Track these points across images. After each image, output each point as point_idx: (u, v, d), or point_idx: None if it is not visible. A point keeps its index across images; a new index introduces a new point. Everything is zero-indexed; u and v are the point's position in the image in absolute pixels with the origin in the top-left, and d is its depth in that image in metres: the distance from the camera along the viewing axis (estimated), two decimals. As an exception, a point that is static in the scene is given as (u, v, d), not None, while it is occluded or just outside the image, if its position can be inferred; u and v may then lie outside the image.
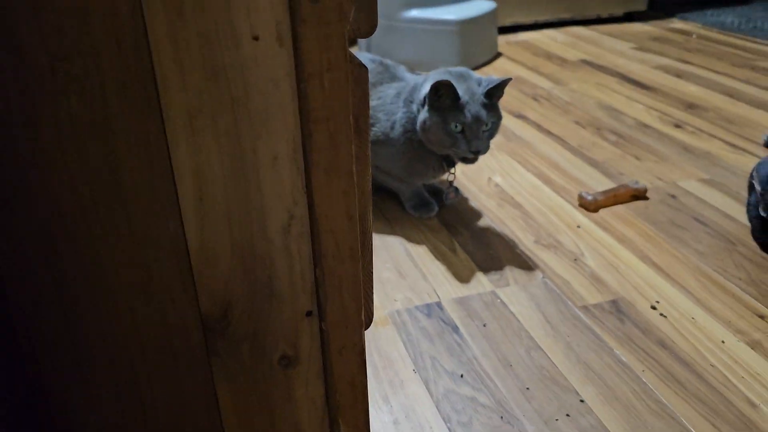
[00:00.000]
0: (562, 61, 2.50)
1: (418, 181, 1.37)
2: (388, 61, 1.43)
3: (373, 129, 1.30)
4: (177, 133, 0.51)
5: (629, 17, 3.11)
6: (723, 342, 1.03)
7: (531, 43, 2.76)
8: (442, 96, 1.18)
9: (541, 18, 2.95)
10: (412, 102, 1.27)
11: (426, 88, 1.21)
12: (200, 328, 0.58)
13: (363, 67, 0.57)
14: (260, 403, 0.64)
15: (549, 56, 2.57)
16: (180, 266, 0.55)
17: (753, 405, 0.91)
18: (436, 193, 1.44)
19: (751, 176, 1.30)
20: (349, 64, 0.54)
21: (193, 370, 0.60)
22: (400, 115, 1.28)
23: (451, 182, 1.39)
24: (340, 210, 0.57)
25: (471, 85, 1.21)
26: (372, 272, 0.66)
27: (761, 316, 1.08)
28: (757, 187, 1.25)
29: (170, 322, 0.57)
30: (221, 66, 0.50)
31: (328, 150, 0.55)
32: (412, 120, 1.26)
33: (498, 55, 2.59)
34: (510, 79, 1.21)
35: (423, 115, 1.21)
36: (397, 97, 1.30)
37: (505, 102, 2.07)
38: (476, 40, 2.42)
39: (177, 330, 0.58)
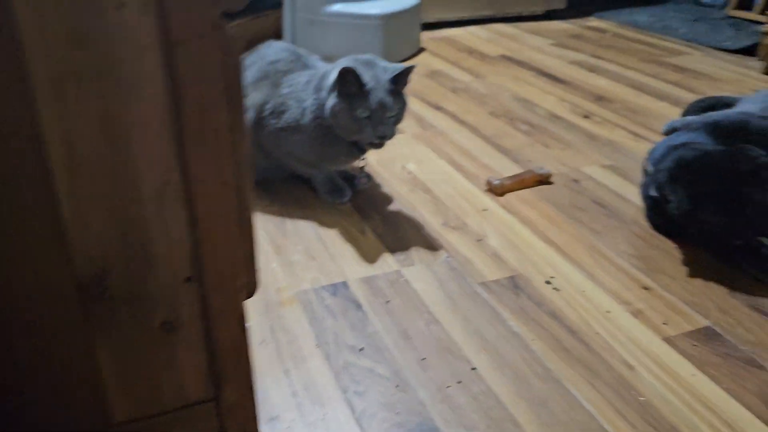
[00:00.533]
0: (483, 56, 2.58)
1: (330, 167, 1.40)
2: (301, 51, 1.45)
3: (284, 116, 1.32)
4: (44, 99, 0.53)
5: (549, 15, 3.23)
6: (609, 312, 1.10)
7: (454, 39, 2.83)
8: (348, 82, 1.21)
9: (465, 15, 3.03)
10: (321, 89, 1.29)
11: (334, 75, 1.24)
12: (76, 294, 0.59)
13: (234, 38, 0.60)
14: (142, 368, 0.65)
15: (470, 51, 2.65)
16: (53, 231, 0.56)
17: (630, 367, 0.98)
18: (350, 179, 1.47)
19: (645, 159, 1.39)
20: (218, 34, 0.56)
21: (72, 335, 0.61)
22: (310, 102, 1.30)
23: (362, 168, 1.42)
24: (214, 176, 0.59)
25: (377, 72, 1.25)
26: (254, 241, 0.68)
27: (646, 288, 1.16)
28: (649, 168, 1.33)
29: (46, 287, 0.58)
30: (85, 33, 0.52)
31: (198, 116, 0.57)
32: (322, 107, 1.29)
33: (421, 50, 2.65)
34: (414, 66, 1.26)
35: (331, 101, 1.24)
36: (307, 84, 1.32)
37: (424, 94, 2.12)
38: (399, 34, 2.46)
39: (53, 295, 0.59)
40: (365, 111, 1.22)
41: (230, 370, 0.69)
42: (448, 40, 2.82)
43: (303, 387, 0.92)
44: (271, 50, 1.42)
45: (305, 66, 1.38)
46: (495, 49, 2.68)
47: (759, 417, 0.89)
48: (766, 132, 1.38)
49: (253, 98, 1.37)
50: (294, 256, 1.22)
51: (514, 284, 1.16)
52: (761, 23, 2.66)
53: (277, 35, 2.35)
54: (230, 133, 0.59)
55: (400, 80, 1.25)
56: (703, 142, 1.32)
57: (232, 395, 0.70)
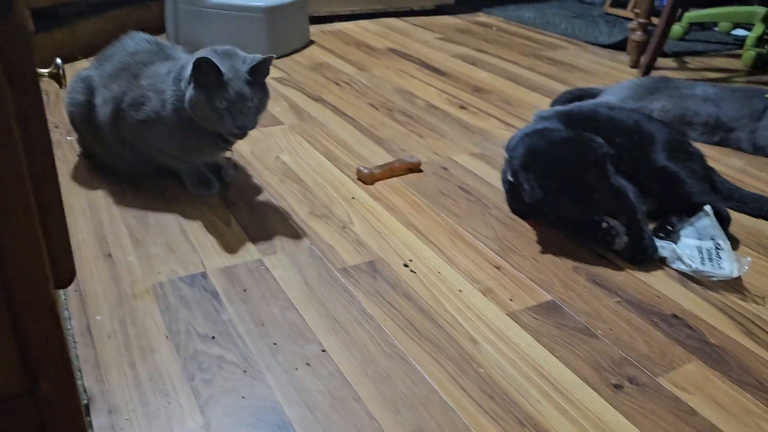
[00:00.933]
0: (371, 49, 2.61)
1: (195, 159, 1.39)
2: (164, 41, 1.43)
3: (144, 108, 1.30)
4: None
5: (439, 10, 3.30)
6: (461, 291, 1.15)
7: (344, 32, 2.86)
8: (205, 73, 1.21)
9: (357, 9, 3.06)
10: (181, 80, 1.28)
11: (191, 66, 1.23)
12: None
13: (22, 24, 0.59)
14: (-57, 363, 0.63)
15: (359, 44, 2.68)
16: None
17: (474, 341, 1.03)
18: (218, 170, 1.46)
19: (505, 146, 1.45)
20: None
21: None
22: (170, 93, 1.29)
23: (229, 159, 1.42)
24: (2, 165, 0.58)
25: (236, 63, 1.25)
26: (65, 229, 0.68)
27: (497, 267, 1.22)
28: (506, 155, 1.40)
29: None
30: None
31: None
32: (182, 98, 1.27)
33: (310, 42, 2.66)
34: (272, 57, 1.27)
35: (189, 92, 1.23)
36: (167, 75, 1.31)
37: (307, 86, 2.13)
38: (285, 27, 2.46)
39: None
40: (223, 102, 1.21)
41: (45, 363, 0.67)
42: (338, 34, 2.84)
43: (148, 378, 0.92)
44: (132, 41, 1.39)
45: (167, 57, 1.36)
46: (383, 43, 2.72)
47: (585, 381, 0.96)
48: (612, 121, 1.49)
49: (111, 90, 1.33)
50: (153, 249, 1.21)
51: (373, 268, 1.19)
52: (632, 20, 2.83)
53: (160, 27, 2.33)
54: (20, 121, 0.59)
55: (259, 71, 1.25)
56: (556, 130, 1.40)
57: (50, 388, 0.69)
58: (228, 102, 1.22)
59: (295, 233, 1.29)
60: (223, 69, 1.21)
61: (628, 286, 1.19)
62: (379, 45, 2.69)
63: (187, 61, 1.30)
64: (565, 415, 0.90)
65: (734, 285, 1.19)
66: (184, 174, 1.41)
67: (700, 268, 1.18)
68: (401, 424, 0.86)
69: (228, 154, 1.39)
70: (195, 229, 1.28)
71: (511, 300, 1.13)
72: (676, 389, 0.96)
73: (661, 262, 1.25)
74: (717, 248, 1.22)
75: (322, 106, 1.97)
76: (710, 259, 1.20)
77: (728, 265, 1.18)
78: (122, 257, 1.18)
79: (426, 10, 3.28)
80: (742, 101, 1.84)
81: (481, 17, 3.29)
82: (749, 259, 1.20)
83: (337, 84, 2.17)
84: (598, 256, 1.27)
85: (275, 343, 0.99)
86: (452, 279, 1.18)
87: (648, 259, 1.25)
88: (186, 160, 1.38)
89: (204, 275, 1.14)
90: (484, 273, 1.20)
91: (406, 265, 1.21)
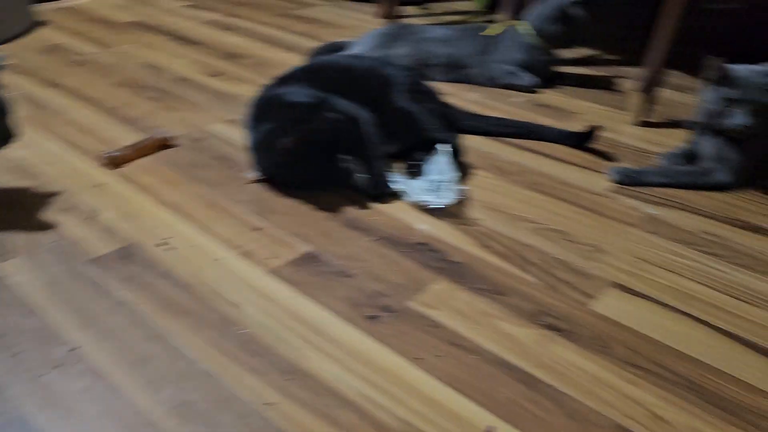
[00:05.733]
0: (112, 25, 2.44)
1: None
2: None
3: None
4: None
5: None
6: (219, 259, 1.15)
7: (83, 9, 2.63)
8: None
9: (92, -18, 2.82)
10: None
11: None
12: None
13: None
14: None
15: (100, 21, 2.49)
16: None
17: (235, 305, 1.04)
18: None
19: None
20: None
21: None
22: None
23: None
24: None
25: None
26: None
27: (257, 229, 1.24)
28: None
29: None
30: None
31: None
32: None
33: (38, 24, 2.41)
34: (5, 56, 1.17)
35: None
36: None
37: (39, 72, 1.94)
38: None
39: None
40: None
41: None
42: (75, 11, 2.60)
43: None
44: None
45: None
46: (127, 16, 2.55)
47: (343, 319, 1.02)
48: (351, 69, 1.55)
49: None
50: None
51: (126, 254, 1.14)
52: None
53: None
54: None
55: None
56: (290, 90, 1.41)
57: None
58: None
59: (35, 233, 1.18)
60: None
61: (380, 224, 1.27)
62: (122, 19, 2.52)
63: None
64: (325, 355, 0.95)
65: (471, 205, 1.33)
66: None
67: (423, 198, 1.30)
68: (163, 402, 0.86)
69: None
70: None
71: (271, 258, 1.16)
72: (425, 308, 1.05)
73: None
74: (444, 180, 1.34)
75: (59, 91, 1.81)
76: (435, 190, 1.32)
77: (448, 195, 1.31)
78: None
79: (172, -22, 3.12)
80: (471, 39, 2.02)
81: (233, -19, 3.21)
82: (467, 188, 1.35)
83: (76, 66, 2.00)
84: (352, 201, 1.34)
85: (16, 354, 0.92)
86: (211, 249, 1.17)
87: (383, 193, 1.34)
88: None
89: (-77, 299, 1.02)
90: (244, 237, 1.21)
91: (161, 245, 1.17)
